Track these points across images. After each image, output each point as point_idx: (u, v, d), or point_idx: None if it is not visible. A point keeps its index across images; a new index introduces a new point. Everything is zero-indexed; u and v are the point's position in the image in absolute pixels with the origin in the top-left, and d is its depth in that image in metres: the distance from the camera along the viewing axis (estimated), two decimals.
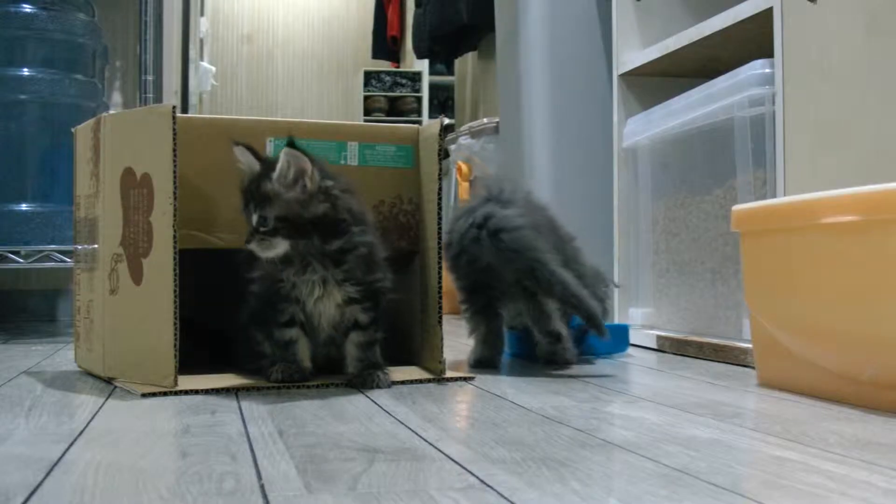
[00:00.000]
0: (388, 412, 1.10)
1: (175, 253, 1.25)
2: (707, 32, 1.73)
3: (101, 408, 1.13)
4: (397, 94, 7.13)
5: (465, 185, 2.97)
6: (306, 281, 1.27)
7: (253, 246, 1.25)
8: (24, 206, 2.23)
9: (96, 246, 1.39)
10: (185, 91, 3.77)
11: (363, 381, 1.29)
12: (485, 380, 1.40)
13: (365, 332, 1.31)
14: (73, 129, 1.50)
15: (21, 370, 1.51)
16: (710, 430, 0.99)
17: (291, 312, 1.30)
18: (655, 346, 1.88)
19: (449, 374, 1.40)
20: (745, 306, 1.46)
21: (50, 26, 2.26)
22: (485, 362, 1.54)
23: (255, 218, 1.25)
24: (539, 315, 1.55)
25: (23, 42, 2.25)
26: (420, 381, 1.36)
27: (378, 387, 1.28)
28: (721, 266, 1.69)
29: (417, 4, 4.06)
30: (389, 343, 1.59)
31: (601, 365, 1.62)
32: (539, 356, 1.57)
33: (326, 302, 1.29)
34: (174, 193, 1.25)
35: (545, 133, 2.31)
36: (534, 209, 1.58)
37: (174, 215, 1.25)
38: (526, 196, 1.60)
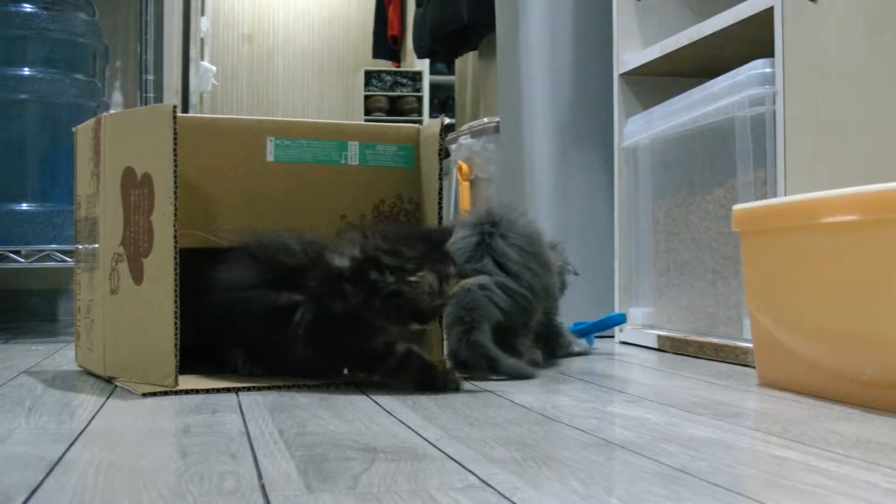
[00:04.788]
0: (388, 412, 1.10)
1: (176, 252, 1.25)
2: (707, 32, 1.73)
3: (101, 407, 1.13)
4: (398, 93, 7.13)
5: (466, 184, 2.96)
6: None
7: None
8: (24, 206, 2.23)
9: (97, 245, 1.39)
10: (186, 91, 3.77)
11: None
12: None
13: None
14: (73, 129, 1.50)
15: (21, 370, 1.51)
16: (711, 429, 0.99)
17: None
18: (656, 346, 1.88)
19: None
20: (745, 306, 1.46)
21: (50, 26, 2.26)
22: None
23: None
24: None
25: (23, 42, 2.25)
26: None
27: None
28: (721, 266, 1.69)
29: (418, 4, 4.05)
30: None
31: (601, 365, 1.62)
32: None
33: None
34: (175, 193, 1.25)
35: (545, 133, 2.31)
36: (530, 244, 1.54)
37: (175, 215, 1.25)
38: (524, 229, 1.55)
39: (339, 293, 1.23)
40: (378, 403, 1.16)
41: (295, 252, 1.30)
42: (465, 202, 2.90)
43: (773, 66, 1.52)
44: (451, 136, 3.14)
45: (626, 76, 2.08)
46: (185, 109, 3.70)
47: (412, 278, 1.22)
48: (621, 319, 1.92)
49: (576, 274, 1.77)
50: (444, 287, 1.24)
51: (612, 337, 2.07)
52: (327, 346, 1.26)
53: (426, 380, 1.26)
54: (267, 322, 1.28)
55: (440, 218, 1.43)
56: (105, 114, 1.40)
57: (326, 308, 1.24)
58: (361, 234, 1.28)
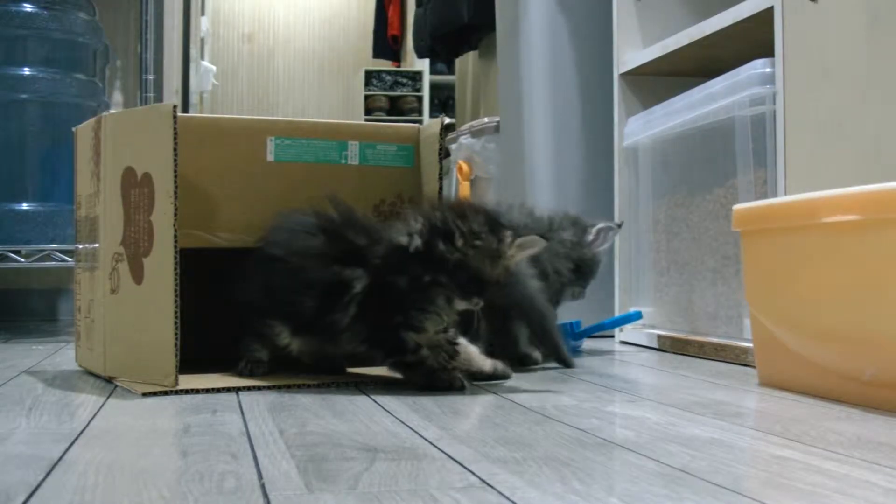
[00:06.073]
0: (388, 411, 1.10)
1: (176, 252, 1.25)
2: (708, 32, 1.73)
3: (101, 407, 1.13)
4: (398, 93, 7.13)
5: (466, 184, 2.96)
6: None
7: None
8: (24, 206, 2.23)
9: (97, 245, 1.39)
10: (186, 90, 3.77)
11: None
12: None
13: None
14: (73, 129, 1.50)
15: (22, 369, 1.51)
16: (711, 429, 0.99)
17: None
18: (656, 346, 1.88)
19: None
20: (745, 305, 1.46)
21: (51, 25, 2.26)
22: None
23: None
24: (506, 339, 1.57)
25: (24, 41, 2.25)
26: None
27: None
28: (722, 265, 1.69)
29: (418, 4, 4.05)
30: None
31: (601, 364, 1.62)
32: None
33: None
34: (175, 193, 1.25)
35: (546, 132, 2.31)
36: None
37: (175, 214, 1.25)
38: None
39: (402, 269, 1.23)
40: (378, 403, 1.16)
41: (365, 231, 1.30)
42: None
43: (773, 65, 1.52)
44: (451, 135, 3.13)
45: (626, 76, 2.08)
46: (185, 109, 3.70)
47: (477, 242, 1.22)
48: (637, 316, 1.92)
49: (619, 226, 1.77)
50: (502, 249, 1.24)
51: (613, 336, 2.07)
52: (370, 323, 1.26)
53: (431, 381, 1.27)
54: (323, 295, 1.28)
55: None
56: (105, 113, 1.40)
57: (380, 285, 1.25)
58: (422, 209, 1.29)
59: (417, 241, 1.23)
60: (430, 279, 1.23)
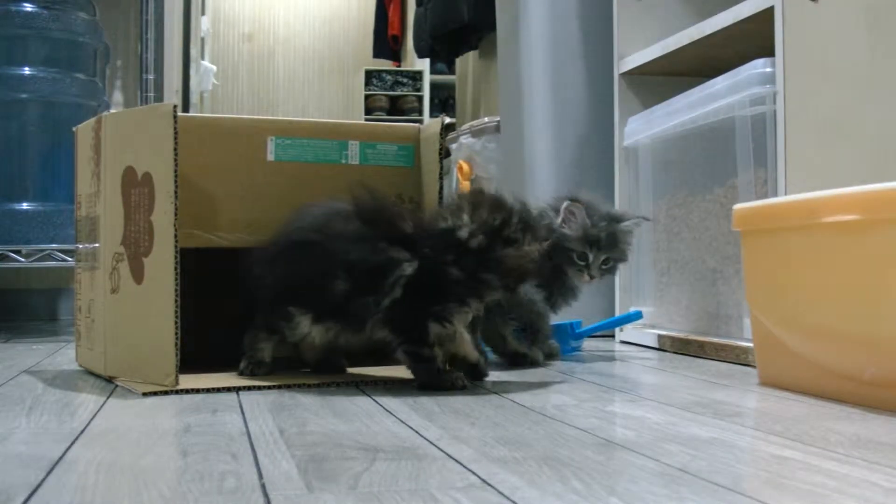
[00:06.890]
0: (388, 411, 1.10)
1: (176, 252, 1.25)
2: (708, 31, 1.73)
3: (101, 407, 1.13)
4: (398, 93, 7.13)
5: (466, 184, 2.97)
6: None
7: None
8: (25, 205, 2.23)
9: (97, 245, 1.39)
10: (186, 90, 3.78)
11: None
12: (485, 378, 1.40)
13: None
14: (73, 129, 1.50)
15: (22, 369, 1.51)
16: (711, 429, 0.99)
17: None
18: (657, 345, 1.88)
19: None
20: (746, 305, 1.46)
21: (51, 25, 2.26)
22: None
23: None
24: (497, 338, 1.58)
25: (24, 41, 2.25)
26: None
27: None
28: (722, 265, 1.69)
29: (418, 3, 4.06)
30: None
31: (601, 364, 1.63)
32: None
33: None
34: (175, 192, 1.25)
35: (546, 132, 2.31)
36: None
37: (175, 214, 1.25)
38: None
39: (456, 261, 1.25)
40: (379, 403, 1.16)
41: (404, 218, 1.30)
42: None
43: (773, 65, 1.52)
44: (451, 135, 3.13)
45: (626, 76, 2.08)
46: (186, 109, 3.70)
47: (526, 248, 1.26)
48: (638, 316, 1.92)
49: (646, 219, 1.77)
50: (539, 254, 1.29)
51: (613, 336, 2.07)
52: (404, 308, 1.26)
53: (433, 380, 1.27)
54: (363, 276, 1.27)
55: None
56: (105, 113, 1.40)
57: (427, 272, 1.26)
58: (466, 205, 1.29)
59: (480, 238, 1.25)
60: (484, 276, 1.25)
